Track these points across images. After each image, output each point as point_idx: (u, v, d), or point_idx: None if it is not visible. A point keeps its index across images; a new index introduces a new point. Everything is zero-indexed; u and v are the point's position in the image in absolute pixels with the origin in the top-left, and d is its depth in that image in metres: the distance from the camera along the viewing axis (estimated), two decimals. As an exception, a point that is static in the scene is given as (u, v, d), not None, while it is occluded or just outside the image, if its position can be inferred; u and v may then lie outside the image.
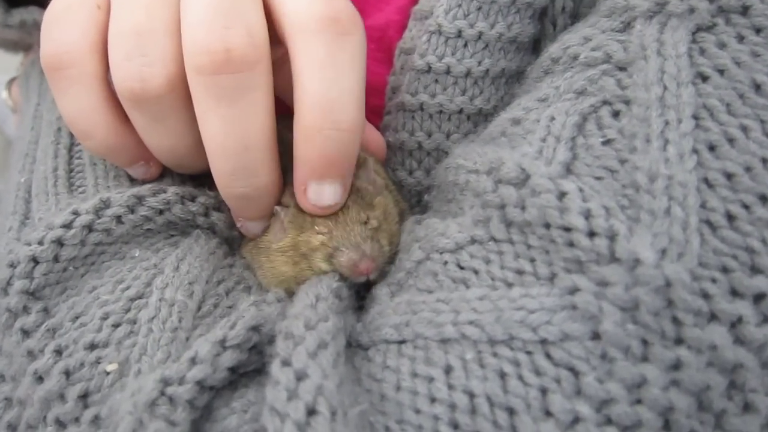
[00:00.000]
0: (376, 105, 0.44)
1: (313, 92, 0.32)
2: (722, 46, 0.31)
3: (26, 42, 0.58)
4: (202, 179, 0.44)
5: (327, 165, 0.34)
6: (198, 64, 0.31)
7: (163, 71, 0.33)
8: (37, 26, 0.51)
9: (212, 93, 0.32)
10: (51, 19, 0.35)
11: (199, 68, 0.31)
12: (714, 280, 0.27)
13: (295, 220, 0.37)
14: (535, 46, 0.43)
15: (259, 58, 0.32)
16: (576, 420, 0.26)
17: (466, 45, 0.40)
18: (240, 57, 0.31)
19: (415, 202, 0.43)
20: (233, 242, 0.41)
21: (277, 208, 0.37)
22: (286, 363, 0.28)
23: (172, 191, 0.38)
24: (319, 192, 0.35)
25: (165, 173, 0.41)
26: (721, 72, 0.31)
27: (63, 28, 0.34)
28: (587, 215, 0.29)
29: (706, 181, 0.29)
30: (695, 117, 0.30)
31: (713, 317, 0.26)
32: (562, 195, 0.29)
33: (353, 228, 0.35)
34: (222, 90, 0.32)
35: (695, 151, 0.29)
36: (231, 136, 0.33)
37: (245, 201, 0.36)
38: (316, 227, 0.36)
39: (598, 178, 0.30)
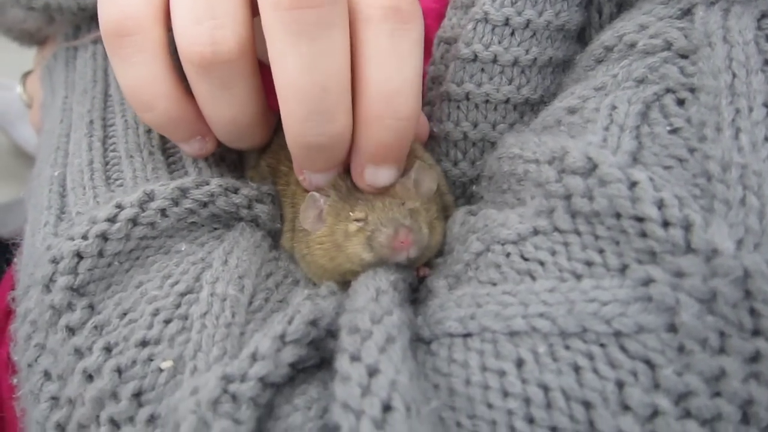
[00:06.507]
0: None
1: (374, 82, 0.32)
2: None
3: (43, 34, 0.56)
4: (237, 173, 0.43)
5: (385, 152, 0.34)
6: None
7: (234, 34, 0.32)
8: (60, 10, 0.49)
9: (292, 29, 0.30)
10: None
11: (279, 2, 0.30)
12: None
13: (333, 209, 0.36)
14: (580, 34, 0.42)
15: None
16: (655, 413, 0.26)
17: (513, 33, 0.39)
18: None
19: (460, 193, 0.42)
20: (276, 235, 0.40)
21: (316, 194, 0.36)
22: (355, 358, 0.27)
23: (215, 183, 0.37)
24: (375, 174, 0.35)
25: (201, 165, 0.40)
26: None
27: None
28: (660, 205, 0.28)
29: None
30: (766, 105, 0.29)
31: None
32: (633, 184, 0.29)
33: (390, 208, 0.35)
34: (302, 25, 0.30)
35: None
36: (309, 76, 0.31)
37: (317, 151, 0.34)
38: (351, 213, 0.35)
39: (667, 168, 0.30)
